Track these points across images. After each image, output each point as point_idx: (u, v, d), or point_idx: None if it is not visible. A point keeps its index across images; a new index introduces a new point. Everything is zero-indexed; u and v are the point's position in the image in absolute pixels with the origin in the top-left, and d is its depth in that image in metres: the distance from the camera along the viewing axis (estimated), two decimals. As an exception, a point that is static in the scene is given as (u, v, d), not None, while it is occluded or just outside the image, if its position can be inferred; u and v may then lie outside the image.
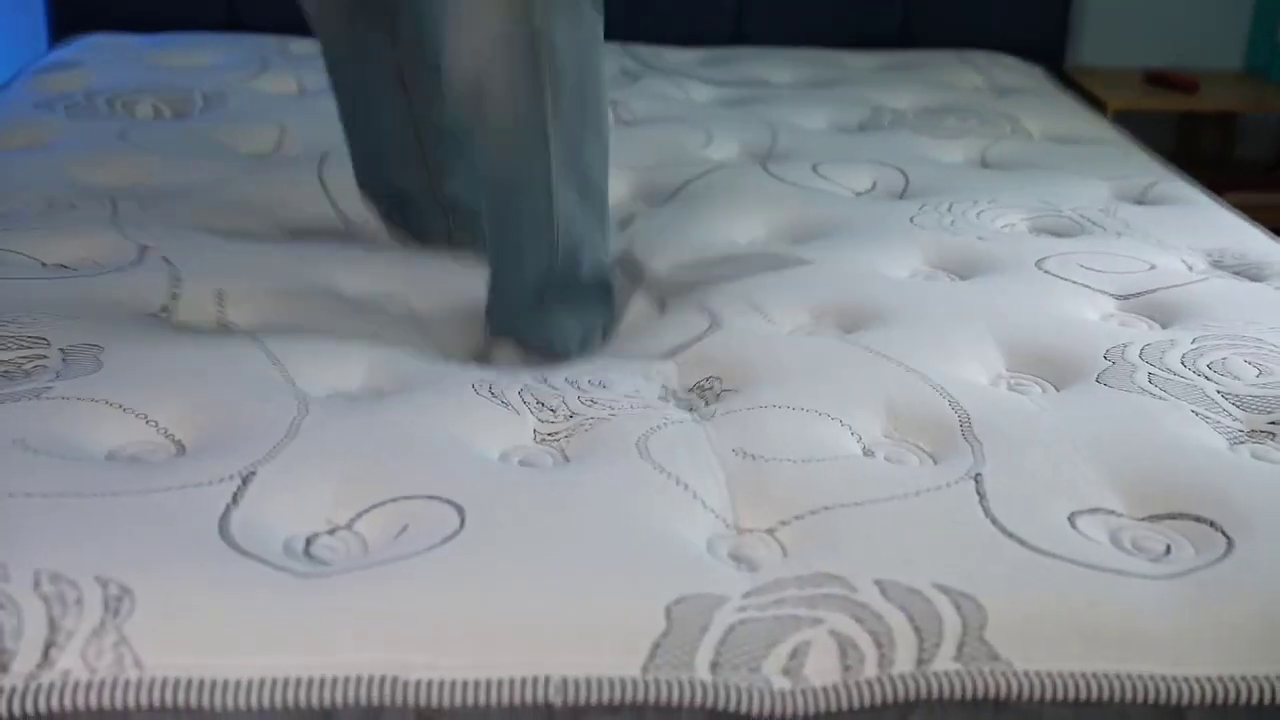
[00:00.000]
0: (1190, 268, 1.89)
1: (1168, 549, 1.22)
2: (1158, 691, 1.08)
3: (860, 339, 1.60)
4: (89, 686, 1.02)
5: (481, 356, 1.62)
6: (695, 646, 1.08)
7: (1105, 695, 1.08)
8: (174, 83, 2.61)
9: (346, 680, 1.04)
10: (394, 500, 1.23)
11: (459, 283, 1.77)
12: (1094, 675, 1.08)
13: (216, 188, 2.07)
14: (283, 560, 1.14)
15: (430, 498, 1.23)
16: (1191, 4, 3.46)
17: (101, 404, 1.36)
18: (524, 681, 1.05)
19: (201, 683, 1.03)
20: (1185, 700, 1.08)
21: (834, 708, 1.06)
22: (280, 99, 2.58)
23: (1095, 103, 3.14)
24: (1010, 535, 1.21)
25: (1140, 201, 2.25)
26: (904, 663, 1.08)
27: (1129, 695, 1.08)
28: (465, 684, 1.05)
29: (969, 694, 1.07)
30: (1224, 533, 1.23)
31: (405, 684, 1.04)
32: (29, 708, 1.02)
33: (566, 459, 1.34)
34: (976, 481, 1.29)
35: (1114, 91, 3.25)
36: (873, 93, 2.83)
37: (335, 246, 1.89)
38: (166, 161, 2.17)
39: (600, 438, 1.36)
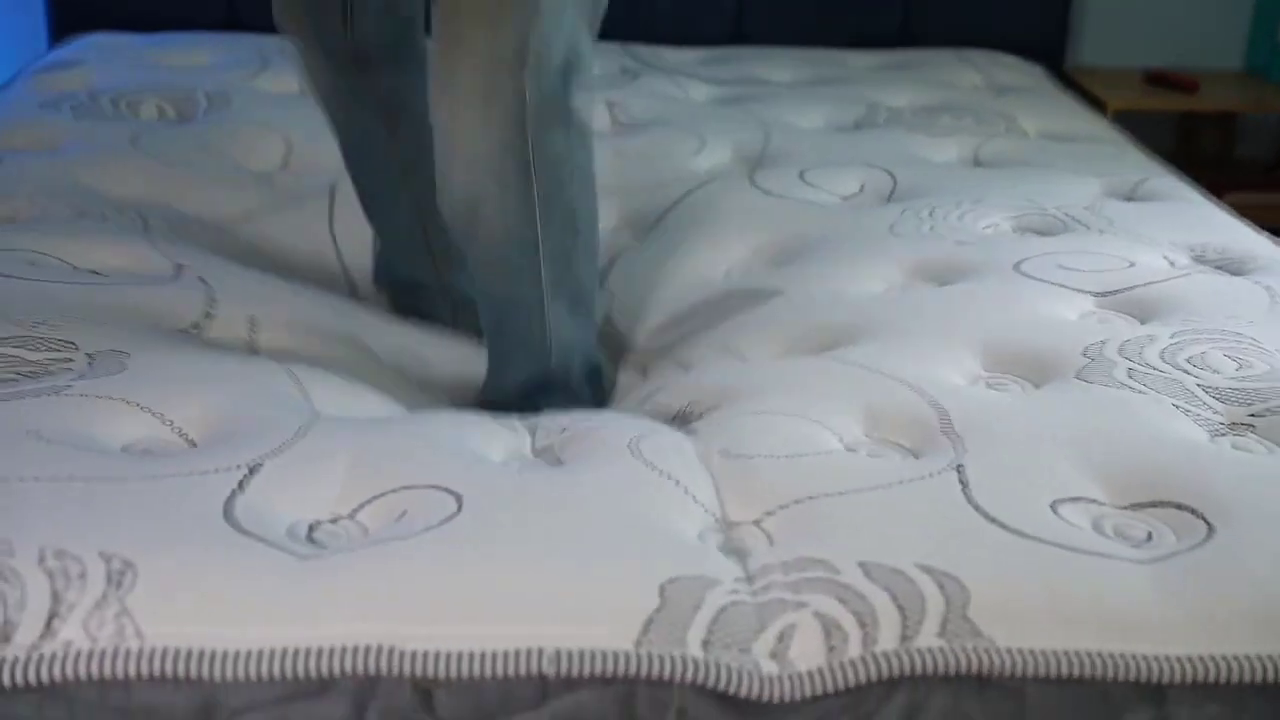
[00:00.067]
0: (1172, 263, 1.89)
1: (1149, 535, 1.23)
2: (1139, 670, 1.09)
3: (836, 355, 1.60)
4: (90, 656, 1.04)
5: None
6: (688, 624, 1.09)
7: (1087, 673, 1.09)
8: (176, 82, 2.62)
9: (344, 651, 1.06)
10: (394, 491, 1.25)
11: (472, 358, 1.81)
12: (1076, 653, 1.09)
13: (235, 224, 2.08)
14: (285, 542, 1.16)
15: (430, 487, 1.24)
16: (1191, 4, 3.46)
17: (120, 402, 1.37)
18: (518, 653, 1.07)
19: (201, 653, 1.05)
20: (1166, 679, 1.09)
21: (819, 692, 1.07)
22: (282, 100, 2.59)
23: (1095, 102, 3.14)
24: (993, 520, 1.22)
25: (1130, 198, 2.25)
26: (887, 641, 1.09)
27: (1110, 673, 1.09)
28: (460, 655, 1.06)
29: (952, 670, 1.08)
30: (1204, 519, 1.24)
31: (402, 654, 1.06)
32: (31, 677, 1.03)
33: (561, 462, 1.36)
34: (959, 472, 1.30)
35: (1114, 91, 3.25)
36: (870, 91, 2.84)
37: (365, 303, 1.93)
38: (182, 176, 2.17)
39: (593, 442, 1.38)
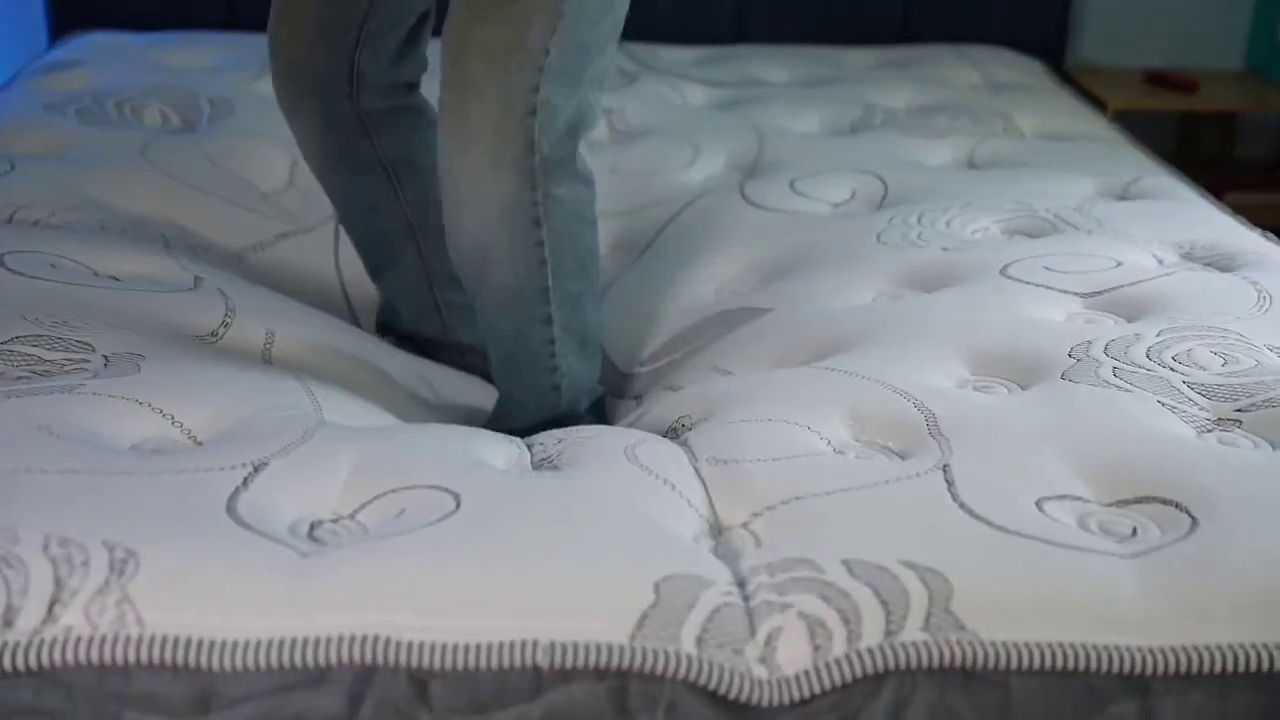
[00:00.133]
0: (1160, 261, 1.89)
1: (1134, 531, 1.23)
2: (1124, 662, 1.10)
3: (821, 365, 1.60)
4: (91, 642, 1.05)
5: None
6: (682, 621, 1.10)
7: (1072, 665, 1.09)
8: (178, 85, 2.62)
9: (340, 641, 1.07)
10: (394, 491, 1.26)
11: (479, 389, 1.83)
12: (1061, 645, 1.10)
13: (247, 253, 2.09)
14: (286, 538, 1.17)
15: (430, 487, 1.26)
16: (1191, 4, 3.46)
17: (131, 402, 1.38)
18: (513, 645, 1.08)
19: (200, 642, 1.06)
20: (1151, 670, 1.10)
21: (806, 695, 1.08)
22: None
23: (1095, 102, 3.13)
24: (978, 517, 1.22)
25: (1123, 197, 2.25)
26: (871, 636, 1.10)
27: (1095, 665, 1.09)
28: (456, 647, 1.07)
29: (936, 663, 1.09)
30: (1189, 513, 1.24)
31: (398, 645, 1.07)
32: (32, 662, 1.05)
33: (559, 468, 1.37)
34: (944, 471, 1.30)
35: (1114, 91, 3.25)
36: (868, 91, 2.84)
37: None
38: (192, 194, 2.18)
39: (590, 448, 1.39)
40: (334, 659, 1.07)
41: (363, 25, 1.74)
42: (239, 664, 1.06)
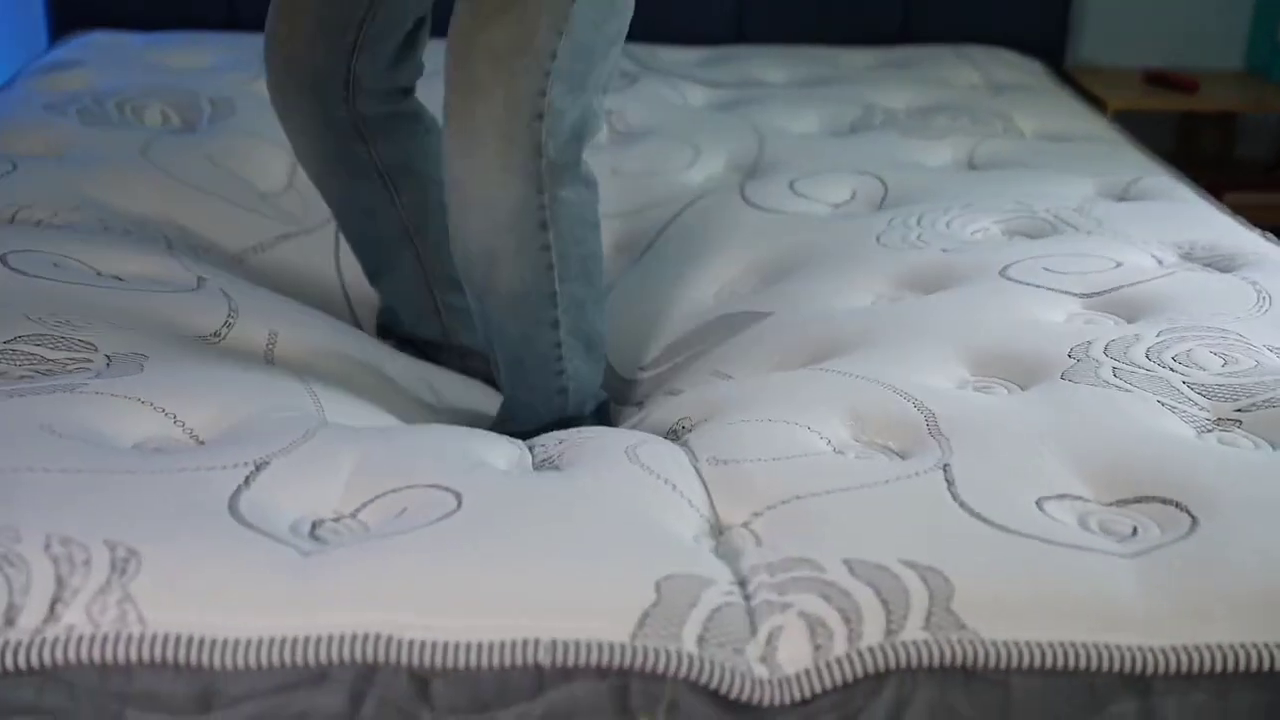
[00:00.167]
0: (1160, 262, 1.89)
1: (1134, 530, 1.23)
2: (1125, 661, 1.10)
3: (821, 366, 1.61)
4: (93, 640, 1.06)
5: None
6: (683, 620, 1.10)
7: (1073, 664, 1.09)
8: (179, 86, 2.62)
9: (341, 640, 1.07)
10: (396, 490, 1.26)
11: (481, 391, 1.83)
12: (1061, 644, 1.10)
13: (248, 255, 2.09)
14: (287, 538, 1.17)
15: (431, 486, 1.26)
16: (1191, 4, 3.46)
17: (133, 401, 1.39)
18: (514, 644, 1.08)
19: (202, 640, 1.06)
20: (1152, 670, 1.10)
21: (807, 694, 1.08)
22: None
23: (1095, 102, 3.14)
24: (978, 517, 1.23)
25: (1122, 198, 2.25)
26: (872, 636, 1.10)
27: (1096, 664, 1.10)
28: (457, 645, 1.07)
29: (937, 662, 1.09)
30: (1189, 513, 1.24)
31: (399, 644, 1.07)
32: (34, 660, 1.05)
33: (560, 468, 1.37)
34: (945, 471, 1.31)
35: (1114, 91, 3.25)
36: (867, 92, 2.84)
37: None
38: (193, 195, 2.18)
39: (591, 449, 1.39)
40: (335, 658, 1.07)
41: (361, 26, 1.74)
42: (240, 662, 1.06)
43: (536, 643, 1.08)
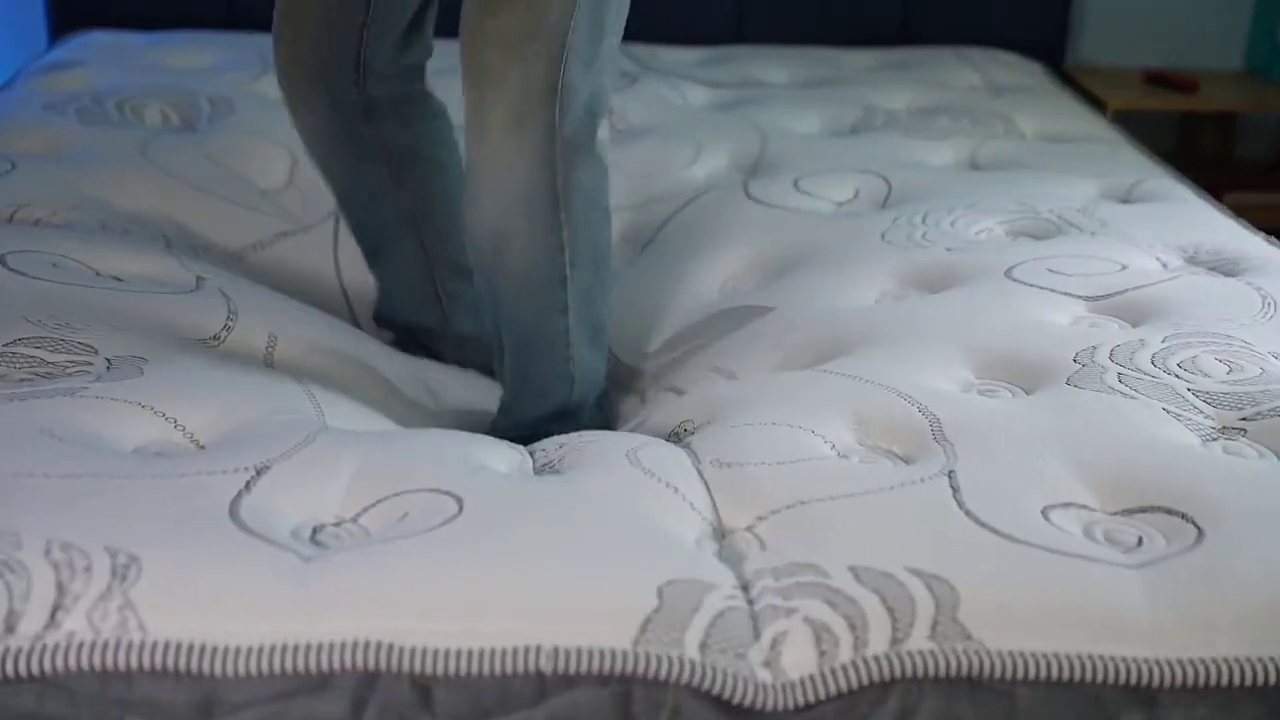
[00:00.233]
0: (1165, 265, 1.89)
1: (1139, 540, 1.23)
2: (1130, 673, 1.10)
3: (827, 367, 1.60)
4: (93, 647, 1.05)
5: None
6: (685, 626, 1.10)
7: (1078, 676, 1.09)
8: (178, 85, 2.61)
9: (343, 646, 1.07)
10: (397, 495, 1.26)
11: (478, 387, 1.83)
12: (1068, 656, 1.10)
13: (247, 253, 2.09)
14: (288, 543, 1.17)
15: (432, 490, 1.25)
16: (1191, 4, 3.45)
17: (134, 405, 1.38)
18: (516, 651, 1.07)
19: (203, 647, 1.06)
20: (1157, 682, 1.10)
21: (811, 700, 1.08)
22: (284, 106, 2.58)
23: (1095, 102, 3.13)
24: (983, 525, 1.22)
25: (1125, 200, 2.24)
26: (877, 644, 1.10)
27: (1102, 676, 1.09)
28: (459, 652, 1.07)
29: (943, 673, 1.09)
30: (1195, 524, 1.24)
31: (401, 651, 1.07)
32: (34, 668, 1.05)
33: (561, 472, 1.37)
34: (950, 477, 1.30)
35: (1114, 91, 3.25)
36: (868, 93, 2.84)
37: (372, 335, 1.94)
38: (192, 194, 2.17)
39: (592, 452, 1.39)
40: (337, 665, 1.07)
41: (367, 11, 1.74)
42: (241, 669, 1.06)
43: (538, 649, 1.08)
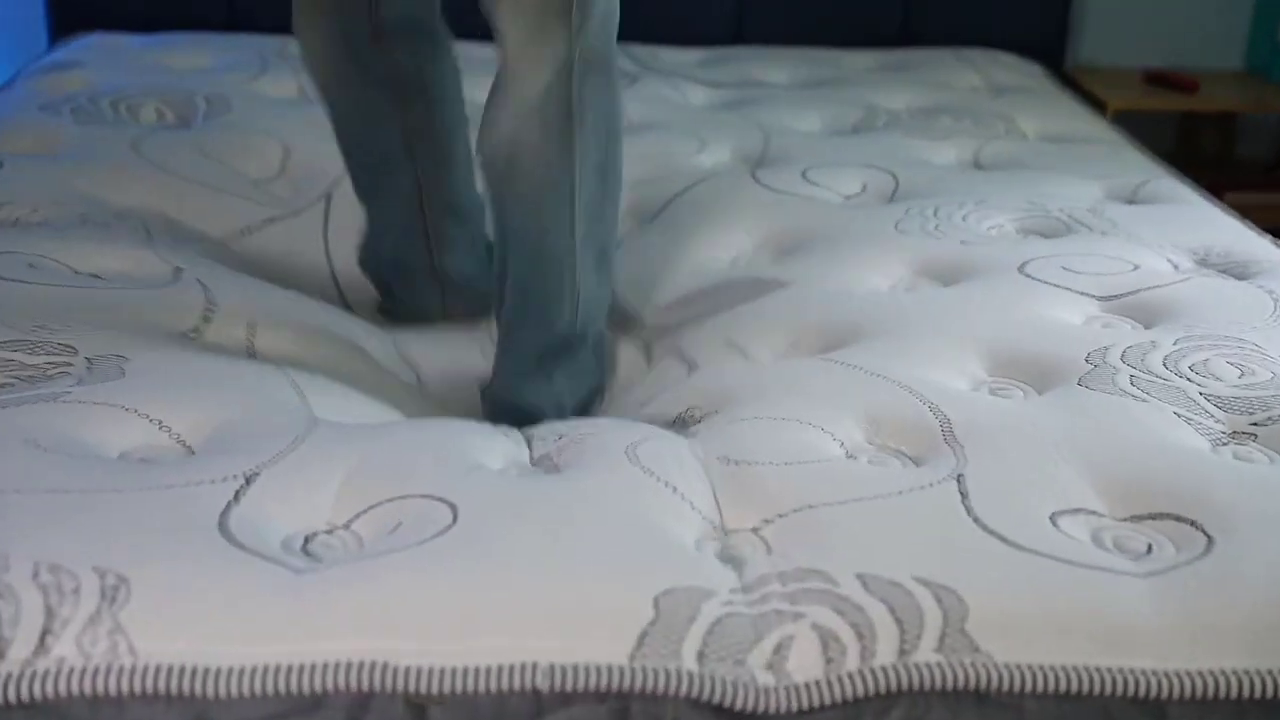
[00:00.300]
0: (1176, 267, 1.89)
1: (1149, 548, 1.23)
2: (1139, 685, 1.09)
3: (839, 356, 1.60)
4: (84, 673, 1.04)
5: None
6: (682, 636, 1.09)
7: (1087, 689, 1.09)
8: (176, 85, 2.60)
9: (337, 667, 1.05)
10: (390, 500, 1.24)
11: (467, 361, 1.81)
12: (1076, 668, 1.09)
13: (233, 239, 2.07)
14: (280, 556, 1.15)
15: (425, 497, 1.24)
16: (1191, 4, 3.45)
17: (117, 408, 1.37)
18: (512, 668, 1.06)
19: (195, 670, 1.05)
20: (1167, 695, 1.09)
21: (816, 704, 1.07)
22: (281, 104, 2.58)
23: (1095, 102, 3.14)
24: (992, 532, 1.22)
25: (1131, 201, 2.24)
26: (885, 655, 1.09)
27: (1111, 689, 1.09)
28: (454, 671, 1.06)
29: (950, 685, 1.08)
30: (1205, 532, 1.24)
31: (395, 670, 1.06)
32: (24, 694, 1.03)
33: (559, 469, 1.35)
34: (959, 482, 1.30)
35: (1114, 91, 3.25)
36: (868, 93, 2.84)
37: (358, 313, 1.93)
38: (181, 185, 2.16)
39: (590, 448, 1.38)
40: (330, 685, 1.05)
41: None
42: (234, 691, 1.05)
43: (534, 667, 1.07)
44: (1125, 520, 1.28)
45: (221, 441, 1.34)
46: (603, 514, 1.23)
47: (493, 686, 1.06)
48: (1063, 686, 1.09)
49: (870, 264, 1.89)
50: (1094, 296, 1.78)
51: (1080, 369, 1.54)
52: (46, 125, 2.37)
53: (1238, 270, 1.89)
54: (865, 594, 1.12)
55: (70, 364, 1.46)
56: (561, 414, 1.64)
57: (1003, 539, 1.21)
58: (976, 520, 1.23)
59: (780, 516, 1.25)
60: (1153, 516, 1.27)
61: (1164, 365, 1.55)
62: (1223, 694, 1.09)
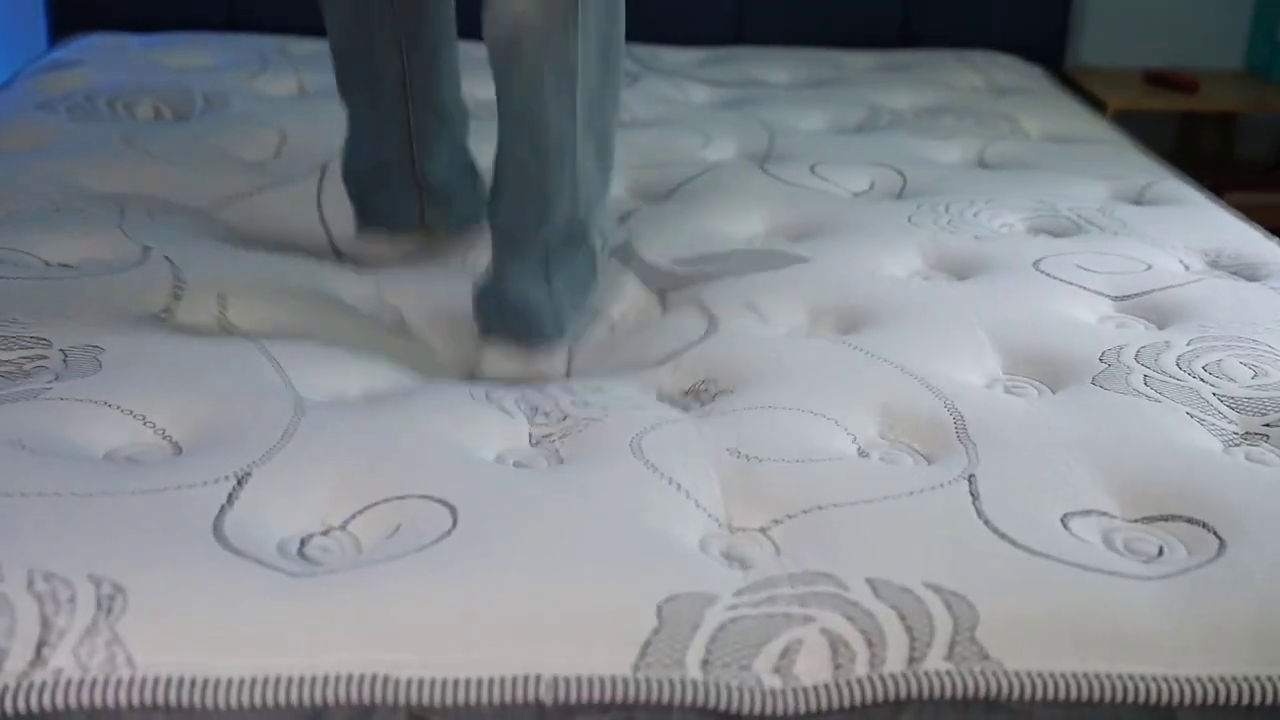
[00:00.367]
0: (1187, 268, 1.89)
1: (1160, 551, 1.22)
2: (1149, 692, 1.09)
3: (857, 340, 1.60)
4: (81, 685, 1.03)
5: (473, 363, 1.64)
6: (686, 645, 1.08)
7: (1096, 695, 1.08)
8: (174, 83, 2.60)
9: (337, 679, 1.05)
10: (387, 500, 1.23)
11: (449, 292, 1.78)
12: (1085, 675, 1.09)
13: (219, 207, 2.05)
14: (276, 560, 1.15)
15: (424, 497, 1.23)
16: (1191, 4, 3.45)
17: (100, 405, 1.36)
18: (515, 680, 1.06)
19: (193, 681, 1.04)
20: (1177, 701, 1.09)
21: (824, 707, 1.07)
22: (280, 100, 2.58)
23: (1095, 103, 3.14)
24: (1003, 536, 1.21)
25: (1138, 201, 2.24)
26: (895, 662, 1.08)
27: (1120, 695, 1.08)
28: (456, 682, 1.05)
29: (960, 694, 1.07)
30: (1216, 534, 1.23)
31: (396, 682, 1.05)
32: (21, 706, 1.02)
33: (561, 460, 1.34)
34: (970, 482, 1.29)
35: (1114, 91, 3.24)
36: (871, 93, 2.83)
37: (334, 259, 1.90)
38: (170, 171, 2.15)
39: (593, 438, 1.36)
40: (330, 698, 1.04)
41: None
42: (233, 702, 1.04)
43: (538, 678, 1.06)
44: (1137, 522, 1.27)
45: (208, 437, 1.33)
46: (605, 516, 1.22)
47: (495, 698, 1.05)
48: (1073, 694, 1.08)
49: (887, 251, 1.90)
50: (1108, 296, 1.78)
51: (1094, 368, 1.54)
52: (41, 123, 2.37)
53: (1248, 272, 1.89)
54: (875, 600, 1.12)
55: (45, 357, 1.46)
56: (558, 326, 1.64)
57: (1013, 542, 1.20)
58: (987, 523, 1.23)
59: (790, 517, 1.24)
60: (1164, 518, 1.27)
61: (1177, 365, 1.55)
62: (1232, 700, 1.09)
